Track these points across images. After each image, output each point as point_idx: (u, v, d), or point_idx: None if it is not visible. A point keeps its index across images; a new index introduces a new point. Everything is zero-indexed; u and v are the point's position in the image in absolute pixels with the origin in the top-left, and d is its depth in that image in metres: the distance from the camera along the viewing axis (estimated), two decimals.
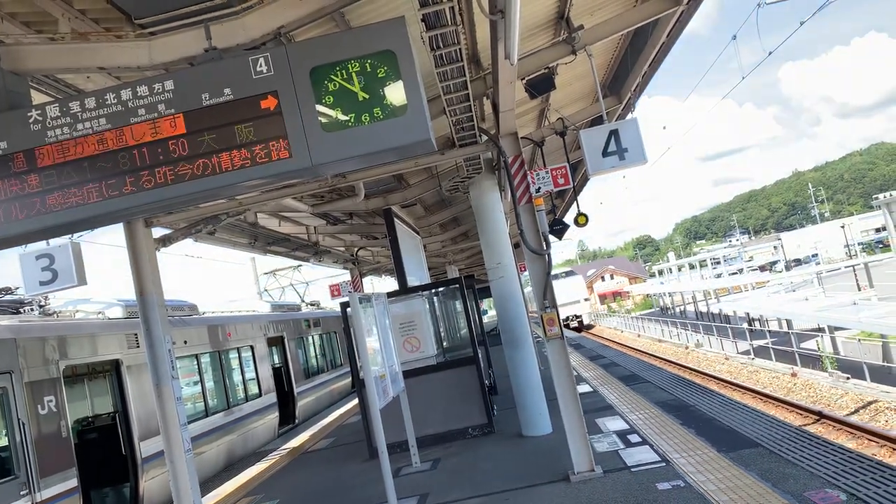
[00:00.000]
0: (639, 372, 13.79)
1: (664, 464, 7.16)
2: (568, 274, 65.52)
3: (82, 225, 4.34)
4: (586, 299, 59.84)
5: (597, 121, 10.61)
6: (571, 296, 59.21)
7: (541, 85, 7.96)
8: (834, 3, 11.36)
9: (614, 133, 7.26)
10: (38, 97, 5.20)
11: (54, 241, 7.47)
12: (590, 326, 61.71)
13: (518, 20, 4.48)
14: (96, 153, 4.04)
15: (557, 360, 7.47)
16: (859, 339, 20.43)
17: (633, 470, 7.17)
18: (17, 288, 10.69)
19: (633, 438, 8.45)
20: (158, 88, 4.02)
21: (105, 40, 4.50)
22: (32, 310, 10.58)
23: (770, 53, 12.44)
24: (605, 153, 7.25)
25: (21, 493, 7.91)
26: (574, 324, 57.58)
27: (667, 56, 9.24)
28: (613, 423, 9.45)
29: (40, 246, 7.63)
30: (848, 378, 16.90)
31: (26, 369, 8.51)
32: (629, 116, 12.00)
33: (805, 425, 12.64)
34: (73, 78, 5.69)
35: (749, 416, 8.44)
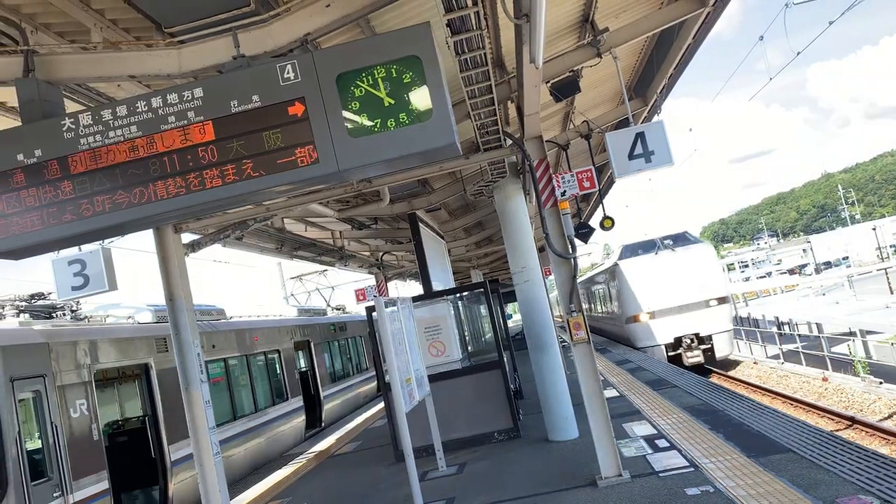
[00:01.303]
0: (666, 376, 13.65)
1: (693, 469, 7.08)
2: (677, 241, 25.82)
3: (114, 231, 4.42)
4: (722, 300, 24.51)
5: (622, 123, 10.56)
6: (690, 290, 24.22)
7: (566, 88, 7.95)
8: (863, 1, 11.20)
9: (640, 135, 7.22)
10: (71, 106, 5.30)
11: (86, 247, 7.62)
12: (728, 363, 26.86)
13: (543, 24, 4.48)
14: (128, 160, 4.11)
15: (584, 364, 7.43)
16: (892, 343, 20.05)
17: (661, 475, 7.10)
18: (50, 293, 10.90)
19: (661, 443, 8.38)
20: (188, 96, 4.08)
21: (135, 49, 4.60)
22: (64, 314, 10.76)
23: (798, 54, 12.30)
24: (631, 156, 7.22)
25: (55, 494, 8.04)
26: (694, 355, 23.79)
27: (693, 58, 9.18)
28: (641, 428, 9.38)
29: (72, 252, 7.78)
30: (881, 383, 16.59)
31: (59, 373, 8.66)
32: (655, 118, 11.93)
33: (837, 430, 12.43)
34: (105, 86, 5.79)
35: (779, 421, 8.31)
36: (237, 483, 12.59)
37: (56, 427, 8.34)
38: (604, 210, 11.48)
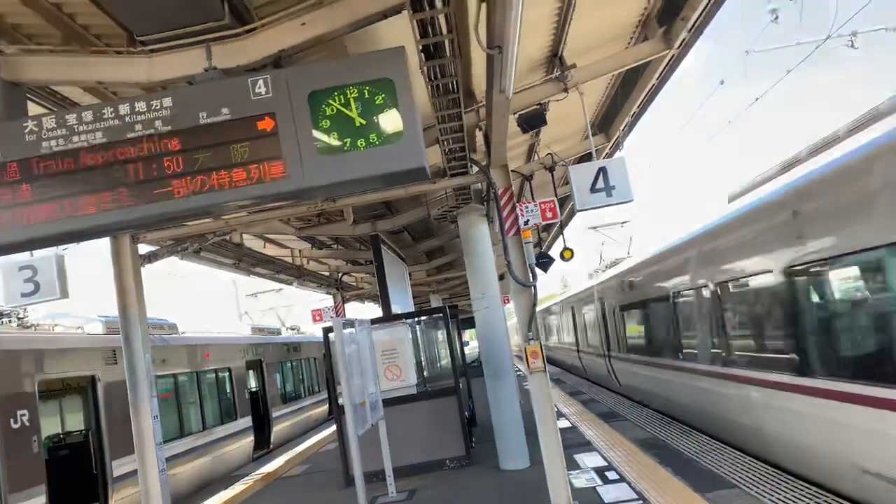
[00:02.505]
0: (618, 409, 13.78)
1: (641, 501, 7.14)
2: None
3: (71, 237, 4.33)
4: None
5: (585, 157, 10.75)
6: None
7: (532, 120, 8.08)
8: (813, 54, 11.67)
9: (602, 170, 7.35)
10: (34, 109, 5.21)
11: (38, 253, 7.42)
12: None
13: (515, 56, 4.57)
14: (90, 166, 4.04)
15: (539, 393, 7.46)
16: None
17: None
18: None
19: (611, 475, 8.43)
20: (156, 105, 4.05)
21: (105, 55, 4.55)
22: (10, 321, 10.44)
23: (757, 100, 12.72)
24: (593, 189, 7.33)
25: None
26: None
27: (657, 97, 9.43)
28: (591, 459, 9.43)
29: (23, 257, 7.56)
30: None
31: (0, 382, 8.38)
32: (617, 154, 12.18)
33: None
34: (70, 91, 5.70)
35: (727, 457, 8.45)
36: (181, 502, 12.27)
37: None
38: (564, 241, 11.65)
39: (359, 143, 3.95)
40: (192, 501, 11.85)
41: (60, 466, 10.33)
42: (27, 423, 8.64)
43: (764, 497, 6.59)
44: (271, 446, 18.27)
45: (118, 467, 10.55)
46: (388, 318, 11.72)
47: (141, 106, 4.06)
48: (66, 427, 11.64)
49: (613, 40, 8.24)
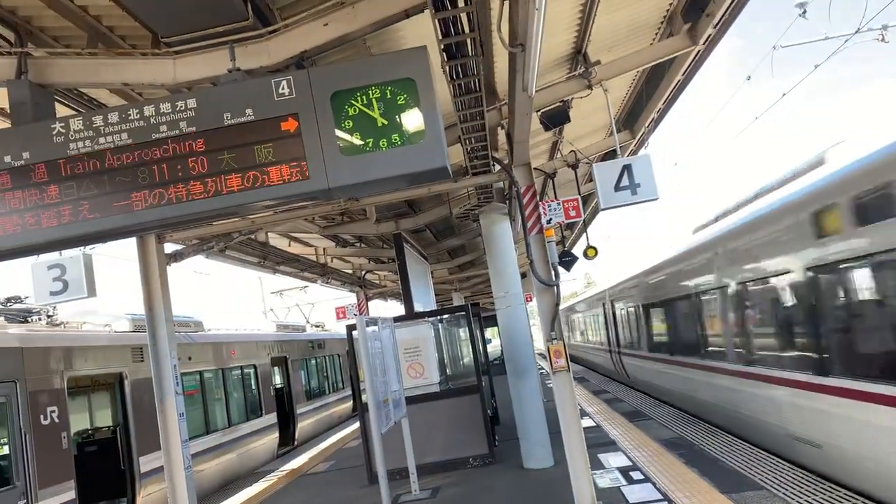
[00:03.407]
0: (642, 408, 13.66)
1: (666, 502, 7.08)
2: None
3: (98, 238, 4.37)
4: None
5: (610, 155, 10.67)
6: None
7: (555, 118, 8.03)
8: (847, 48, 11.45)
9: (627, 168, 7.29)
10: (62, 111, 5.28)
11: (67, 252, 7.53)
12: None
13: (538, 53, 4.54)
14: (116, 167, 4.08)
15: (562, 392, 7.42)
16: None
17: None
18: (27, 297, 10.75)
19: (636, 475, 8.37)
20: (181, 106, 4.08)
21: (131, 57, 4.60)
22: (40, 319, 10.62)
23: (784, 95, 12.52)
24: (617, 187, 7.28)
25: (19, 502, 7.88)
26: None
27: (682, 94, 9.32)
28: (616, 459, 9.36)
29: (52, 256, 7.68)
30: None
31: (31, 379, 8.53)
32: (642, 152, 12.07)
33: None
34: (97, 93, 5.77)
35: (754, 457, 8.34)
36: (207, 498, 12.40)
37: (25, 434, 8.19)
38: (587, 239, 11.57)
39: (381, 143, 3.94)
40: (218, 498, 11.97)
41: (89, 462, 10.49)
42: (56, 420, 8.78)
43: (791, 500, 6.49)
44: (296, 443, 18.39)
45: (146, 463, 10.69)
46: (411, 315, 11.73)
47: (166, 107, 4.09)
48: (94, 423, 11.81)
49: (638, 36, 8.17)
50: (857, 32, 11.21)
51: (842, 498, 6.33)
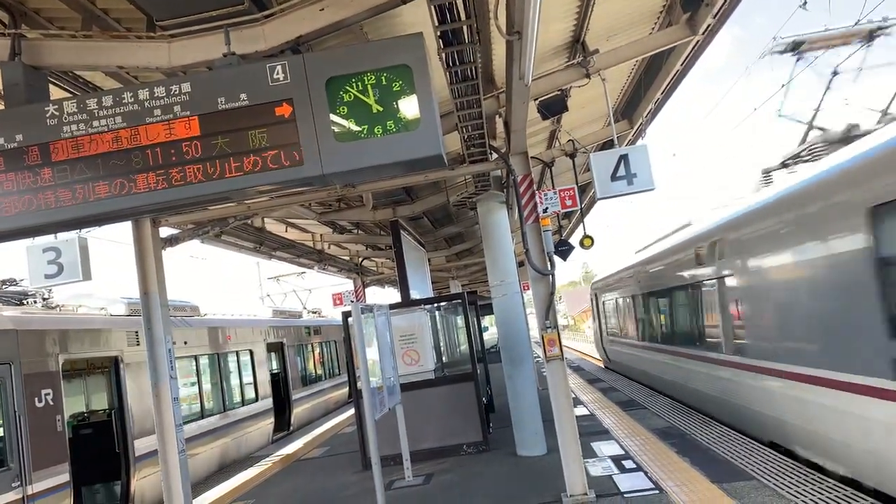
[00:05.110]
0: (636, 398, 13.72)
1: (658, 492, 7.12)
2: None
3: (92, 221, 4.36)
4: None
5: (607, 144, 10.66)
6: None
7: (553, 106, 8.01)
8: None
9: (624, 158, 7.29)
10: (57, 93, 5.26)
11: (62, 236, 7.52)
12: None
13: (535, 41, 4.52)
14: (110, 150, 4.07)
15: (556, 381, 7.45)
16: None
17: (626, 496, 7.13)
18: (22, 280, 10.74)
19: (628, 464, 8.41)
20: (175, 90, 4.05)
21: (125, 40, 4.57)
22: (36, 302, 10.62)
23: (783, 86, 12.47)
24: (614, 177, 7.28)
25: (13, 484, 7.91)
26: None
27: (681, 84, 9.30)
28: (608, 448, 9.41)
29: (47, 239, 7.67)
30: None
31: (26, 361, 8.53)
32: (640, 142, 12.06)
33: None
34: (92, 76, 5.75)
35: (746, 448, 8.39)
36: (201, 482, 12.45)
37: (19, 416, 8.21)
38: (584, 229, 11.57)
39: (376, 129, 3.93)
40: (212, 482, 12.03)
41: (84, 445, 10.51)
42: (51, 402, 8.79)
43: (782, 489, 6.54)
44: (291, 428, 18.46)
45: (140, 447, 10.72)
46: (407, 303, 11.75)
47: (160, 91, 4.07)
48: (90, 406, 11.84)
49: (637, 25, 8.13)
50: (856, 24, 11.16)
51: (830, 488, 6.38)
